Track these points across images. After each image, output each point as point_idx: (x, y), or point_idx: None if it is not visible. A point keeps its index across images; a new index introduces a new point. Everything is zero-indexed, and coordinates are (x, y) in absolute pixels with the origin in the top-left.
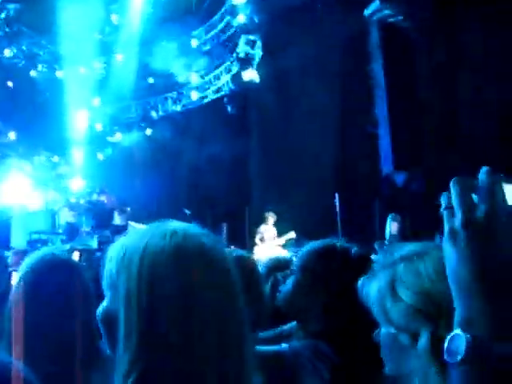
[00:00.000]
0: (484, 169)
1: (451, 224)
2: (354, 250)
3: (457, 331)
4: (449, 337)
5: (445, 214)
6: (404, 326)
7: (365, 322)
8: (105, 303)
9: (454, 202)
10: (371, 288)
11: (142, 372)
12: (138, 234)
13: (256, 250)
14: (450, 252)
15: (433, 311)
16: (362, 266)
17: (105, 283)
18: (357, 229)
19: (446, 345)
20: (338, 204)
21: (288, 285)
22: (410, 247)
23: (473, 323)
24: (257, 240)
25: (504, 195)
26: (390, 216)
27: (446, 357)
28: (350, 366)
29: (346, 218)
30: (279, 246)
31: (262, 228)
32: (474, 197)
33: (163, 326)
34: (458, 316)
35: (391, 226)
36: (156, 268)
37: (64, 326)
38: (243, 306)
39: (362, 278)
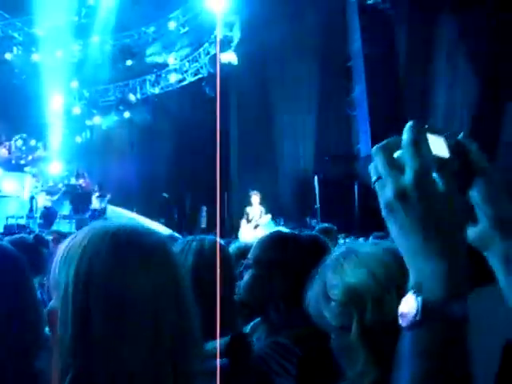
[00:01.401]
0: (408, 124)
1: (384, 196)
2: (305, 235)
3: (409, 294)
4: (402, 301)
5: (376, 186)
6: (339, 325)
7: None
8: (51, 302)
9: (381, 171)
10: (310, 297)
11: (75, 374)
12: (81, 234)
13: (241, 231)
14: (391, 225)
15: (358, 300)
16: (316, 251)
17: (51, 283)
18: (336, 211)
19: (399, 309)
20: (317, 186)
21: (245, 278)
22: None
23: (424, 285)
24: (243, 221)
25: (429, 148)
26: None
27: (399, 321)
28: (315, 357)
29: (325, 200)
30: (261, 226)
31: (248, 209)
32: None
33: (97, 327)
34: (410, 280)
35: None
36: (93, 268)
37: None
38: (189, 308)
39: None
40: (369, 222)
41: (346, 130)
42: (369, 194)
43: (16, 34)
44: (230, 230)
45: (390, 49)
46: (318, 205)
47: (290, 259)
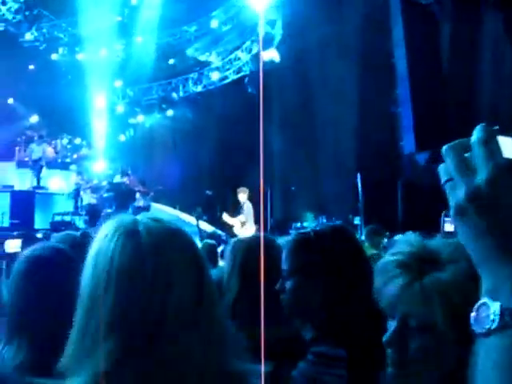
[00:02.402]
0: (478, 127)
1: (455, 199)
2: (322, 229)
3: (484, 300)
4: (476, 306)
5: (446, 188)
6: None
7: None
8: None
9: (452, 172)
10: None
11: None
12: (107, 232)
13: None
14: (462, 228)
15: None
16: (342, 248)
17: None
18: (378, 209)
19: (472, 315)
20: (359, 184)
21: (287, 289)
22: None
23: (500, 291)
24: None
25: (500, 150)
26: (444, 212)
27: (472, 327)
28: (360, 358)
29: (367, 197)
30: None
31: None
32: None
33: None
34: (484, 284)
35: (445, 223)
36: (124, 267)
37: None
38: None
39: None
40: (412, 220)
41: (389, 128)
42: (412, 191)
43: (61, 35)
44: (274, 227)
45: (434, 45)
46: (360, 202)
47: (323, 259)
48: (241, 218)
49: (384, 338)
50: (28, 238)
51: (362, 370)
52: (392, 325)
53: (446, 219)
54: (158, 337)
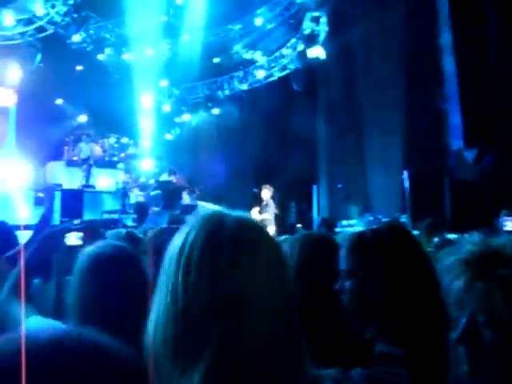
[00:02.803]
0: None
1: None
2: (380, 227)
3: None
4: None
5: None
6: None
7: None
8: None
9: None
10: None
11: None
12: (193, 225)
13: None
14: None
15: None
16: (398, 248)
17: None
18: (426, 206)
19: None
20: (406, 181)
21: (348, 290)
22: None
23: None
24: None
25: None
26: (503, 212)
27: None
28: (421, 356)
29: (414, 195)
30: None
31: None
32: None
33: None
34: None
35: (504, 223)
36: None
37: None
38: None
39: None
40: (461, 217)
41: (436, 124)
42: (460, 188)
43: (108, 36)
44: (321, 225)
45: (482, 39)
46: (407, 200)
47: (383, 258)
48: (267, 215)
49: (454, 336)
50: (89, 232)
51: (422, 368)
52: (461, 322)
53: (507, 218)
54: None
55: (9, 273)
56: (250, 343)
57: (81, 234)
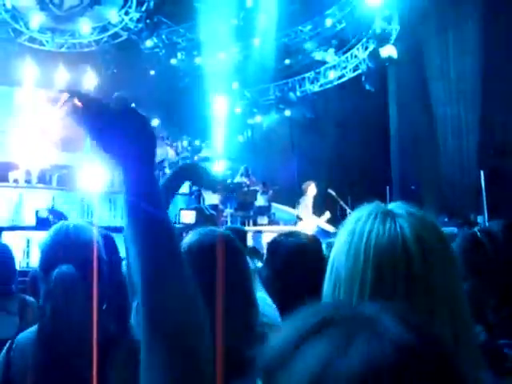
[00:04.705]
0: None
1: None
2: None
3: None
4: None
5: None
6: None
7: None
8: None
9: None
10: None
11: None
12: (362, 215)
13: (303, 223)
14: None
15: None
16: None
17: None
18: (503, 207)
19: None
20: (482, 181)
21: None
22: None
23: None
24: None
25: None
26: None
27: None
28: None
29: (491, 195)
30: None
31: (302, 200)
32: None
33: None
34: None
35: None
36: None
37: None
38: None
39: None
40: None
41: None
42: None
43: (180, 40)
44: None
45: None
46: (484, 201)
47: (496, 259)
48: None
49: None
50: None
51: None
52: None
53: None
54: None
55: None
56: None
57: (193, 214)
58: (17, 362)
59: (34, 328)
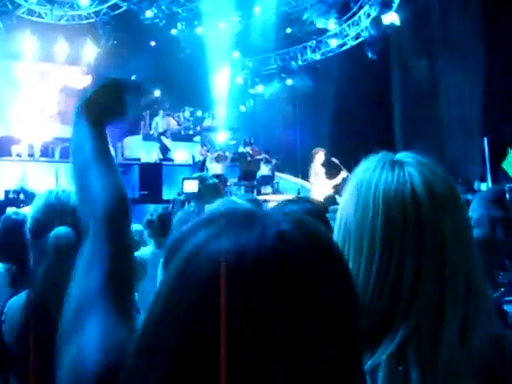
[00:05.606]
0: None
1: None
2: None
3: None
4: None
5: None
6: None
7: None
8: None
9: None
10: None
11: None
12: (368, 166)
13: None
14: None
15: None
16: None
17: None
18: (507, 175)
19: None
20: (486, 148)
21: None
22: None
23: None
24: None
25: None
26: None
27: None
28: None
29: (495, 163)
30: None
31: (311, 167)
32: None
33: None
34: None
35: None
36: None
37: None
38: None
39: None
40: None
41: None
42: None
43: (180, 10)
44: None
45: None
46: (487, 168)
47: None
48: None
49: None
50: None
51: None
52: None
53: None
54: None
55: None
56: None
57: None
58: (7, 326)
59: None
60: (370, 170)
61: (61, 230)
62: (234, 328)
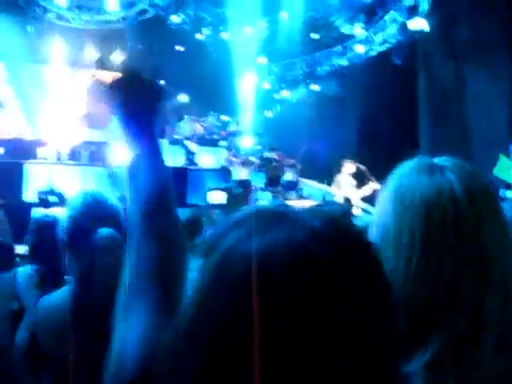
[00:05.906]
0: None
1: None
2: None
3: None
4: None
5: None
6: None
7: None
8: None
9: None
10: None
11: None
12: (406, 170)
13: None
14: None
15: None
16: None
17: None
18: None
19: None
20: None
21: None
22: None
23: None
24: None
25: None
26: None
27: None
28: None
29: None
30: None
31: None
32: None
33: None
34: None
35: None
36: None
37: None
38: None
39: None
40: None
41: None
42: None
43: (205, 15)
44: None
45: None
46: None
47: None
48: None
49: None
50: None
51: None
52: None
53: None
54: None
55: None
56: None
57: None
58: (40, 326)
59: (57, 292)
60: (409, 173)
61: (105, 231)
62: (267, 324)
